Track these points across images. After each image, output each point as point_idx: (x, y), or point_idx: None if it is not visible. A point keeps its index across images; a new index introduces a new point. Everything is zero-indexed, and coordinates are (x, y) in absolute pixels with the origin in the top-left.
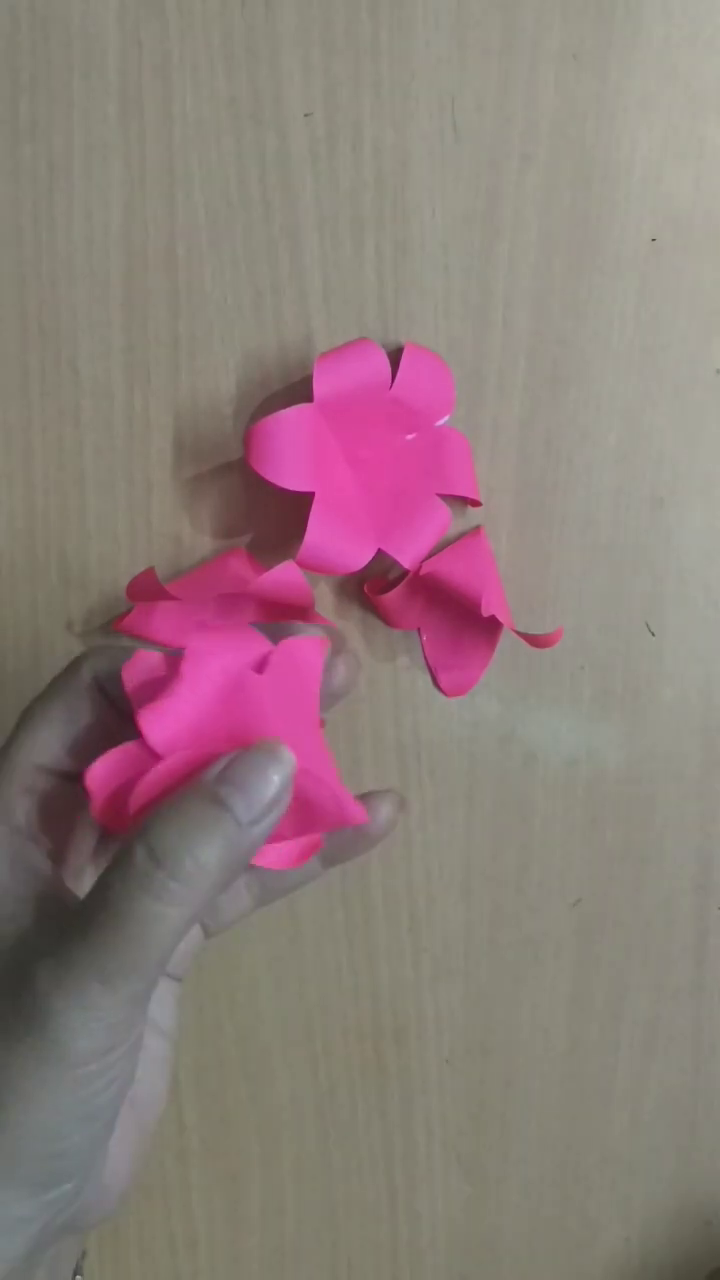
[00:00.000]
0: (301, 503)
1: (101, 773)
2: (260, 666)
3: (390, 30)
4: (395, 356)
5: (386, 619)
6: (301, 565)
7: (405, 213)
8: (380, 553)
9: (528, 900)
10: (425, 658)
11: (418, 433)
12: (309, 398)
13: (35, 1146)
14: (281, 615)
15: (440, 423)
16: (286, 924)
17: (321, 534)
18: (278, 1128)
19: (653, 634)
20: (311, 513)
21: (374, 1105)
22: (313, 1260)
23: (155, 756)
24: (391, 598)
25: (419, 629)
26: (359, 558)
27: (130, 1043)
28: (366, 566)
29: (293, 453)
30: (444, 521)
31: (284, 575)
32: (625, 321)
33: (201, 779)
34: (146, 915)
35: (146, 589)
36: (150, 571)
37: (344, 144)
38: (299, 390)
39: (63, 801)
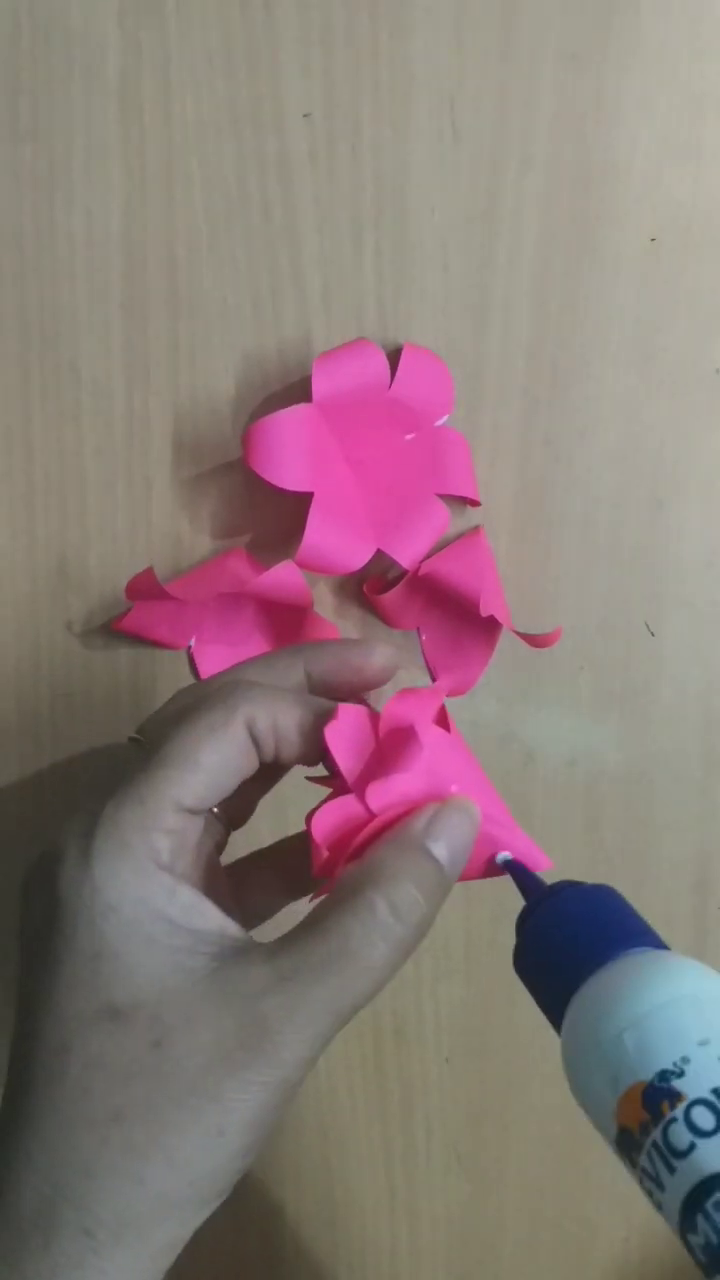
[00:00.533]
0: (300, 503)
1: (324, 825)
2: (442, 722)
3: (390, 31)
4: (394, 356)
5: (386, 619)
6: (300, 565)
7: (404, 213)
8: (379, 552)
9: None
10: (424, 658)
11: (417, 433)
12: (308, 398)
13: (237, 1163)
14: (281, 615)
15: (439, 423)
16: (286, 924)
17: (320, 534)
18: (278, 1128)
19: (653, 634)
20: (310, 513)
21: (374, 1105)
22: (313, 1260)
23: (370, 813)
24: (391, 597)
25: (418, 629)
26: (358, 558)
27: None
28: (365, 566)
29: (292, 453)
30: (443, 521)
31: (283, 575)
32: (625, 321)
33: (410, 833)
34: (384, 962)
35: (146, 589)
36: (149, 571)
37: (343, 145)
38: (298, 390)
39: (196, 842)
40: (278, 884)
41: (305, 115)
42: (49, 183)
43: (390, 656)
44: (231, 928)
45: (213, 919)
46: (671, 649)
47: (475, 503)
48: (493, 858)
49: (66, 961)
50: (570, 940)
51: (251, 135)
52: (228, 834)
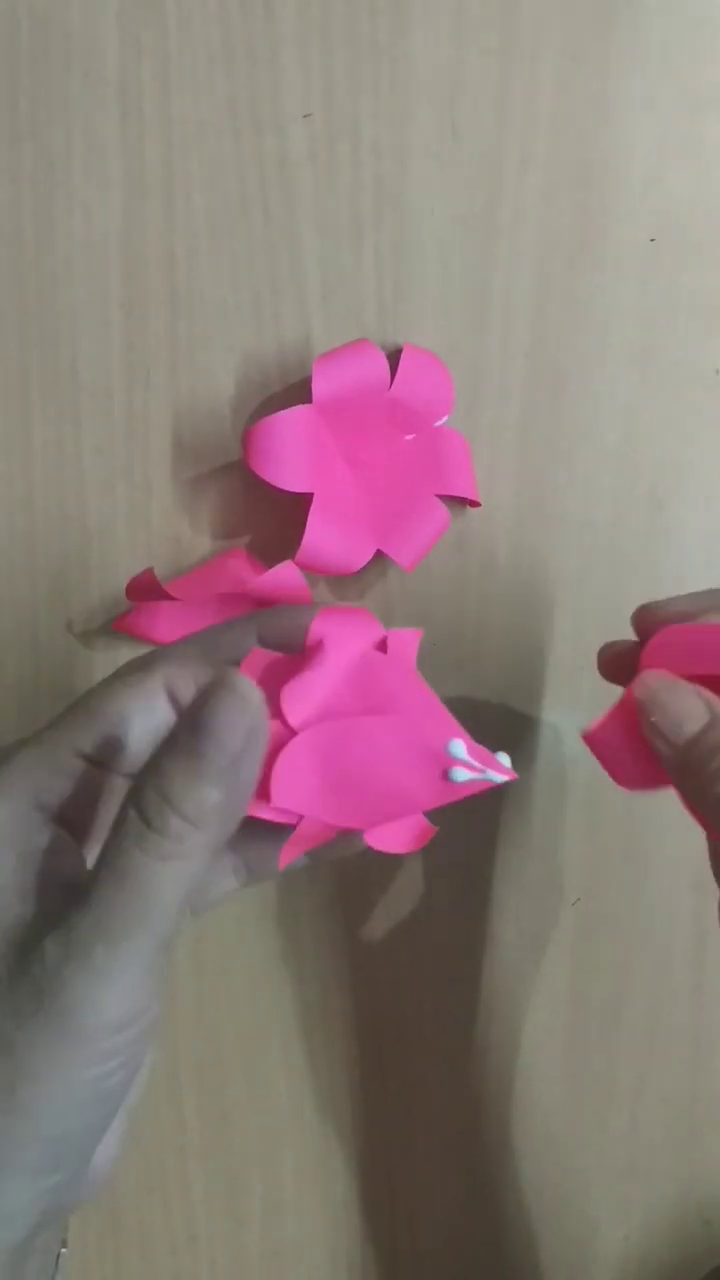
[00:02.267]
0: (300, 503)
1: None
2: (382, 647)
3: (389, 31)
4: (394, 357)
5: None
6: (300, 565)
7: (404, 213)
8: (379, 553)
9: (527, 900)
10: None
11: (417, 433)
12: (308, 398)
13: (44, 1129)
14: None
15: (439, 423)
16: (287, 924)
17: (320, 534)
18: (278, 1128)
19: None
20: (310, 513)
21: (374, 1105)
22: (313, 1260)
23: (292, 732)
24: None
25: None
26: (358, 558)
27: (143, 1024)
28: (364, 567)
29: (291, 453)
30: (443, 522)
31: (283, 575)
32: (624, 322)
33: (172, 732)
34: (142, 872)
35: (146, 589)
36: (149, 572)
37: (343, 145)
38: (298, 391)
39: (94, 790)
40: (231, 876)
41: (305, 115)
42: (48, 183)
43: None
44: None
45: (72, 865)
46: None
47: (475, 503)
48: (445, 772)
49: None
50: None
51: (251, 135)
52: None
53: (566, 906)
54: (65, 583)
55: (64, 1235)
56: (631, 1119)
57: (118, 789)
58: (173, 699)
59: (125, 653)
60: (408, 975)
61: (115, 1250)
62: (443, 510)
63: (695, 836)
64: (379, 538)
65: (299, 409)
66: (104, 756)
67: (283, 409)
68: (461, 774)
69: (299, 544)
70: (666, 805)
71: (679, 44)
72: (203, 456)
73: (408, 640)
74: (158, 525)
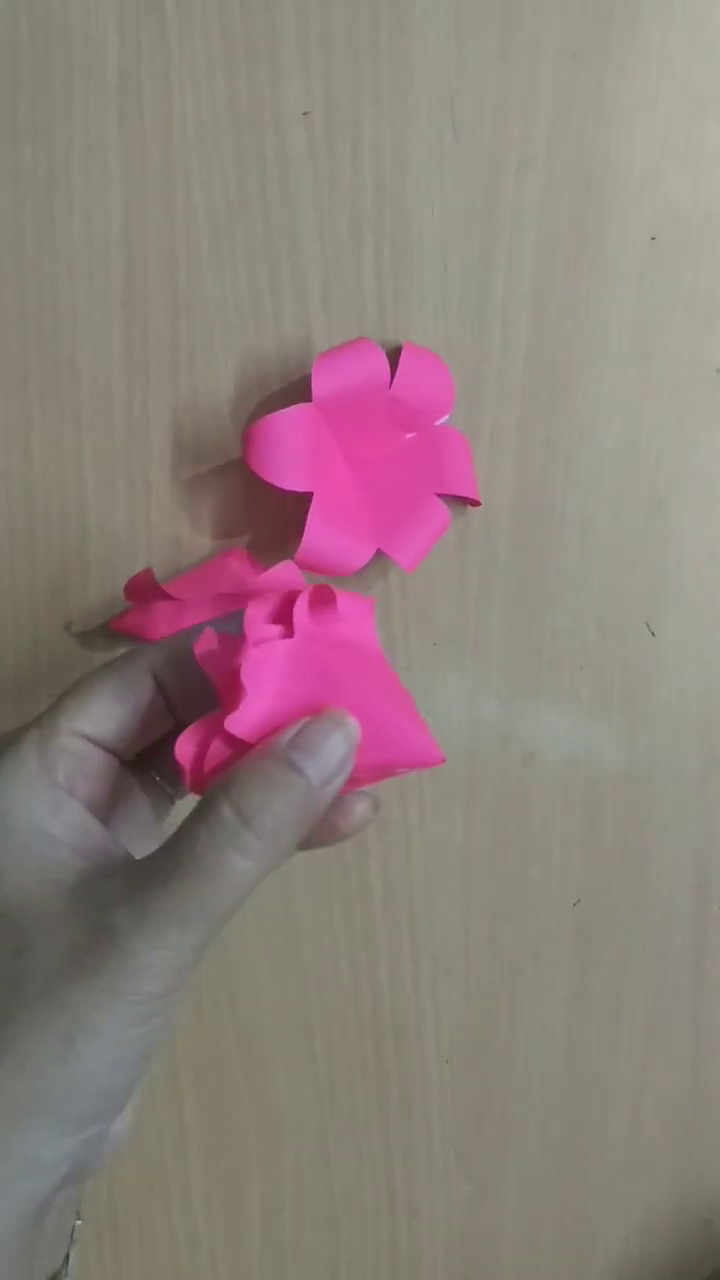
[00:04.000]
0: (300, 503)
1: (187, 746)
2: (318, 623)
3: (389, 31)
4: (394, 356)
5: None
6: (300, 565)
7: (404, 213)
8: (379, 553)
9: (528, 900)
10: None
11: (417, 432)
12: (308, 397)
13: (95, 1082)
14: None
15: (439, 422)
16: (287, 924)
17: (320, 534)
18: (278, 1127)
19: (652, 634)
20: (310, 513)
21: (374, 1105)
22: (313, 1260)
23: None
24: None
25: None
26: (358, 557)
27: (186, 988)
28: (365, 566)
29: (292, 453)
30: (443, 521)
31: (283, 575)
32: (624, 321)
33: (274, 745)
34: (230, 867)
35: (145, 589)
36: (148, 572)
37: (343, 144)
38: (298, 390)
39: (96, 770)
40: None
41: (305, 114)
42: (48, 183)
43: None
44: (117, 848)
45: (96, 837)
46: (671, 649)
47: (475, 503)
48: (388, 761)
49: None
50: None
51: (251, 135)
52: (149, 774)
53: (566, 906)
54: (65, 583)
55: (78, 1208)
56: (631, 1119)
57: (113, 768)
58: (157, 681)
59: (125, 653)
60: (408, 975)
61: (115, 1250)
62: (443, 510)
63: (695, 837)
64: (379, 537)
65: (299, 408)
66: (98, 734)
67: (283, 408)
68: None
69: (299, 544)
70: (666, 805)
71: (679, 44)
72: (203, 456)
73: (357, 604)
74: (158, 525)
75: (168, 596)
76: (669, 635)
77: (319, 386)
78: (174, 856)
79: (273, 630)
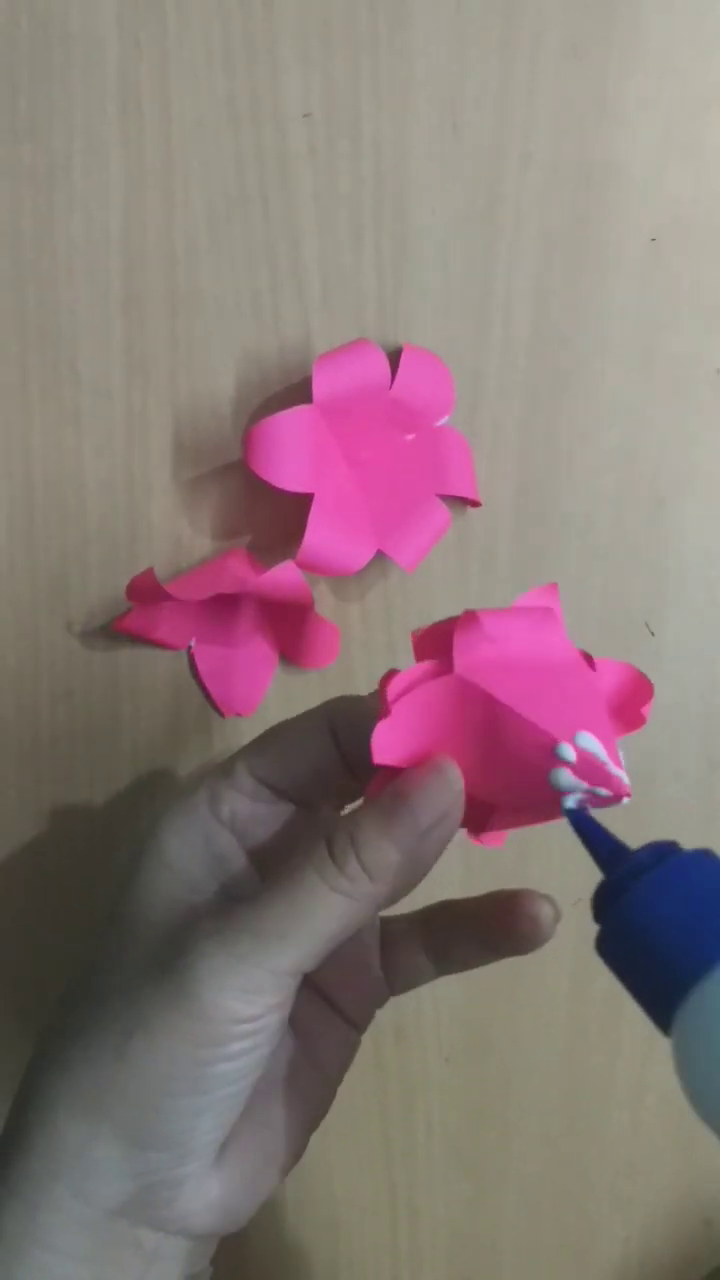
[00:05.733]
0: (301, 503)
1: (374, 788)
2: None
3: (389, 28)
4: (394, 357)
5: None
6: (301, 566)
7: (404, 212)
8: (379, 553)
9: None
10: None
11: (417, 433)
12: (308, 398)
13: (141, 1088)
14: (281, 615)
15: (440, 423)
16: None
17: (321, 535)
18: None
19: (652, 634)
20: (311, 513)
21: (374, 1104)
22: (313, 1260)
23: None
24: None
25: None
26: (358, 558)
27: (266, 1033)
28: (365, 567)
29: (292, 454)
30: (443, 522)
31: (283, 575)
32: (625, 321)
33: (379, 796)
34: (310, 892)
35: (146, 589)
36: (149, 572)
37: (343, 143)
38: (298, 391)
39: (266, 812)
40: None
41: (305, 115)
42: (48, 182)
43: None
44: (256, 881)
45: (237, 868)
46: (671, 649)
47: (475, 503)
48: (555, 796)
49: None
50: (682, 925)
51: (251, 133)
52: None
53: (566, 906)
54: (65, 583)
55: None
56: (632, 1119)
57: (288, 816)
58: (334, 734)
59: (125, 653)
60: None
61: None
62: (443, 510)
63: (695, 837)
64: (379, 538)
65: (300, 409)
66: (275, 779)
67: (283, 409)
68: (563, 777)
69: (299, 544)
70: (667, 805)
71: (679, 43)
72: (203, 456)
73: (546, 600)
74: (158, 525)
75: (169, 597)
76: (669, 635)
77: (319, 388)
78: (265, 901)
79: (431, 665)
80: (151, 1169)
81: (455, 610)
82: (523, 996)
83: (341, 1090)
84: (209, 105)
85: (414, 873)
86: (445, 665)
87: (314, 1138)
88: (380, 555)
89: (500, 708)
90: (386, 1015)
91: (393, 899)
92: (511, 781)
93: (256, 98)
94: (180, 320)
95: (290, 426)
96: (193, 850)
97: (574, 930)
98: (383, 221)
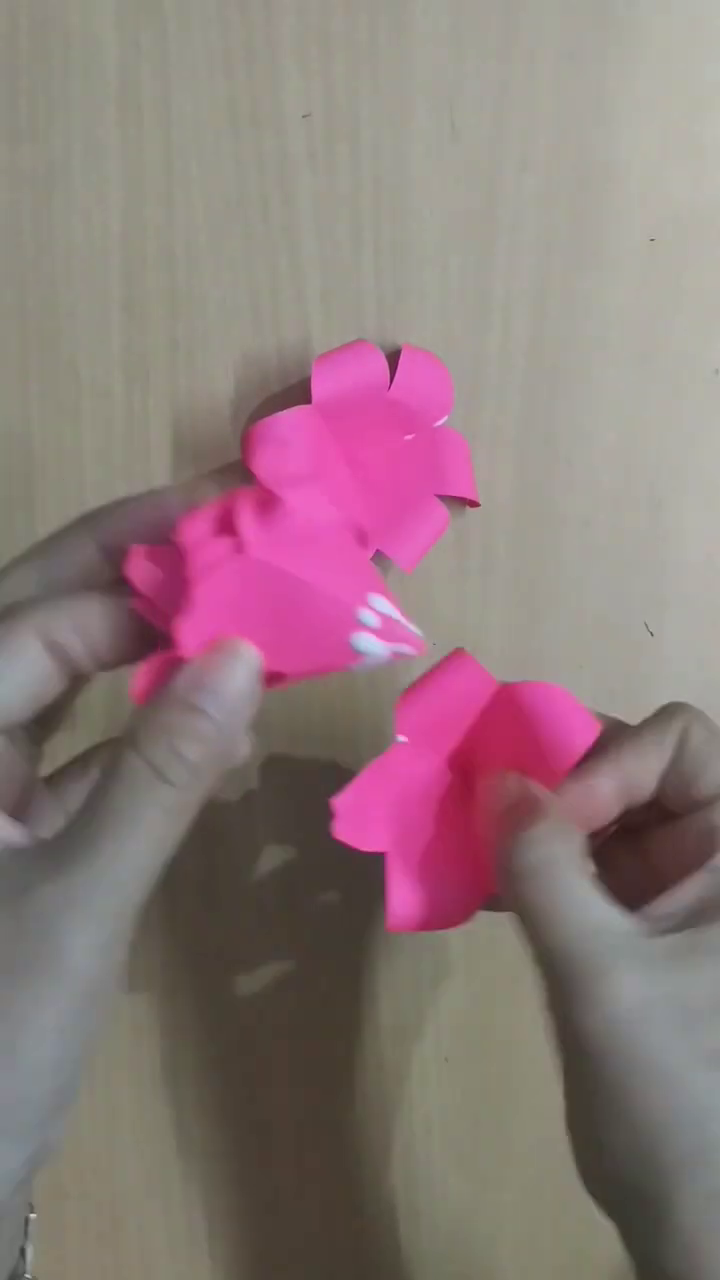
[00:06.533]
0: None
1: (144, 685)
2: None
3: (388, 31)
4: (393, 357)
5: None
6: None
7: (403, 213)
8: (379, 553)
9: None
10: None
11: (416, 433)
12: (308, 398)
13: (42, 1084)
14: None
15: (439, 423)
16: (287, 923)
17: None
18: (277, 1128)
19: (652, 634)
20: None
21: (374, 1104)
22: (313, 1260)
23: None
24: None
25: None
26: None
27: (123, 958)
28: None
29: (292, 454)
30: (442, 522)
31: None
32: (624, 322)
33: (173, 689)
34: (153, 825)
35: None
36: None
37: (342, 145)
38: (297, 392)
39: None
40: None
41: (304, 116)
42: (48, 183)
43: (211, 494)
44: (17, 836)
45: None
46: (671, 649)
47: (475, 503)
48: (350, 636)
49: None
50: None
51: (250, 135)
52: (39, 747)
53: None
54: None
55: (29, 1199)
56: None
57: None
58: (49, 646)
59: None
60: (408, 975)
61: (115, 1250)
62: (443, 510)
63: None
64: (379, 538)
65: (299, 410)
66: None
67: (283, 409)
68: (365, 641)
69: None
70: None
71: (679, 44)
72: (202, 457)
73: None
74: None
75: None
76: (669, 635)
77: (319, 389)
78: (92, 823)
79: (218, 547)
80: (49, 1140)
81: (455, 610)
82: (523, 997)
83: (341, 1091)
84: (208, 107)
85: (225, 758)
86: (237, 546)
87: (314, 1138)
88: (380, 555)
89: (297, 583)
90: (386, 1016)
91: (212, 790)
92: (309, 655)
93: (256, 100)
94: (180, 321)
95: (290, 427)
96: None
97: None
98: (382, 223)
